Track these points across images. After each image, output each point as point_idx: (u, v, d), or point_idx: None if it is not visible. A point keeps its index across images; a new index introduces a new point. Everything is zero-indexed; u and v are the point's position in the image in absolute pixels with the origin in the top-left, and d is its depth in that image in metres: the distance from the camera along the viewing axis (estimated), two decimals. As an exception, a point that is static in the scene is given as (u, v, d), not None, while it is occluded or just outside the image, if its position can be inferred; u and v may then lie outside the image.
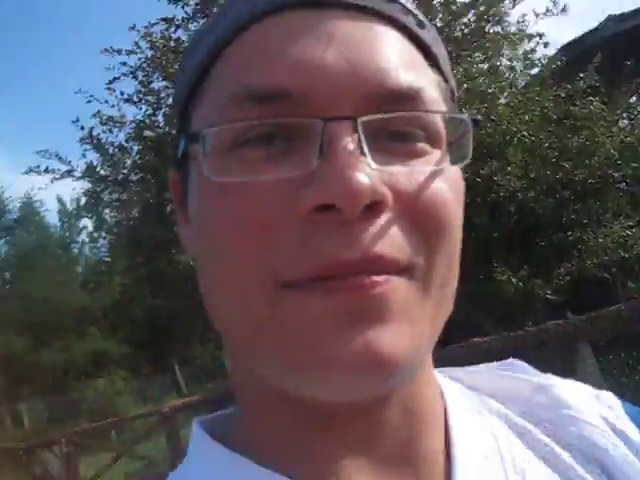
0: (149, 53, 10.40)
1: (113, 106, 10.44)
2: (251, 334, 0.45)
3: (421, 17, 0.51)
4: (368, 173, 0.41)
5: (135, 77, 10.54)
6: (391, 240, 0.43)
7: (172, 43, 10.33)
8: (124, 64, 10.42)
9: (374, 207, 0.42)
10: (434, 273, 0.46)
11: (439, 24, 10.37)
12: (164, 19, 10.33)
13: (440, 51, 0.53)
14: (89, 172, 10.56)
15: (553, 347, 7.08)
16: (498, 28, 11.08)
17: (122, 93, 10.42)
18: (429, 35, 0.52)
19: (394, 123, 0.45)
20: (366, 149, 0.42)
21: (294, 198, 0.43)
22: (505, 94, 11.33)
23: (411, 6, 0.50)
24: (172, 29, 10.41)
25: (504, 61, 12.04)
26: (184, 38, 10.56)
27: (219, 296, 0.47)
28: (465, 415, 0.55)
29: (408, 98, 0.45)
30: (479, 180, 9.95)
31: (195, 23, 10.50)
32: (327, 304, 0.41)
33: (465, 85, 10.40)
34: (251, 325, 0.45)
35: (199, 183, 0.48)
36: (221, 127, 0.44)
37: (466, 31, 10.55)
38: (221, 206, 0.45)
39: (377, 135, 0.44)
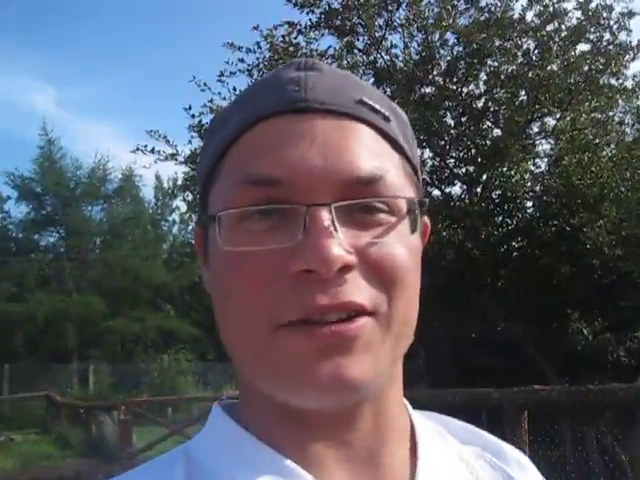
0: (267, 54, 10.73)
1: (224, 99, 10.81)
2: (252, 359, 0.61)
3: (387, 113, 0.66)
4: (339, 244, 0.57)
5: (250, 75, 10.89)
6: (357, 291, 0.58)
7: (291, 48, 10.61)
8: (242, 61, 10.80)
9: (344, 268, 0.58)
10: (394, 315, 0.61)
11: (555, 68, 10.31)
12: (288, 23, 10.62)
13: (406, 136, 0.69)
14: (192, 158, 11.00)
15: (616, 410, 6.96)
16: (613, 80, 10.88)
17: (234, 89, 10.79)
18: (394, 126, 0.67)
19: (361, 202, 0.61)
20: (338, 226, 0.58)
21: (286, 263, 0.58)
22: (611, 147, 11.13)
23: (377, 105, 0.66)
24: (294, 34, 10.70)
25: (616, 114, 11.81)
26: (303, 44, 10.88)
27: (230, 329, 0.63)
28: (429, 435, 0.71)
29: (372, 182, 0.61)
30: (568, 229, 9.84)
31: (316, 32, 10.76)
32: (309, 343, 0.57)
33: (570, 134, 10.27)
34: (253, 353, 0.61)
35: (215, 247, 0.63)
36: (232, 211, 0.61)
37: (580, 80, 10.39)
38: (232, 268, 0.61)
39: (350, 210, 0.60)
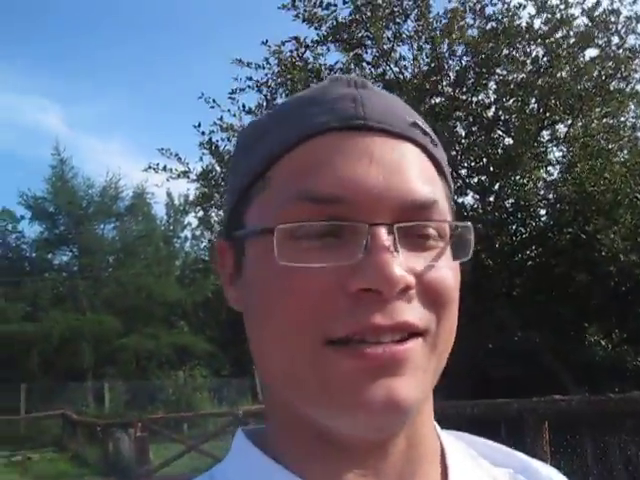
0: (276, 69, 10.76)
1: (234, 115, 10.85)
2: (296, 378, 0.59)
3: (434, 137, 0.67)
4: (400, 264, 0.57)
5: (260, 91, 10.93)
6: (413, 312, 0.58)
7: (299, 63, 10.64)
8: (250, 78, 10.82)
9: (404, 289, 0.57)
10: (441, 336, 0.61)
11: (564, 75, 10.30)
12: (296, 38, 10.65)
13: (444, 160, 0.68)
14: (204, 175, 11.02)
15: (638, 418, 6.86)
16: (624, 85, 10.84)
17: (244, 106, 10.82)
18: (439, 150, 0.67)
19: (418, 226, 0.61)
20: (399, 247, 0.57)
21: (344, 281, 0.57)
22: (624, 152, 11.08)
23: (427, 129, 0.66)
24: (302, 49, 10.73)
25: (628, 119, 11.77)
26: (311, 59, 10.91)
27: (270, 348, 0.61)
28: (460, 457, 0.69)
29: (427, 206, 0.60)
30: (583, 236, 9.78)
31: (323, 47, 10.79)
32: (360, 364, 0.56)
33: (582, 140, 10.23)
34: (297, 371, 0.59)
35: (260, 262, 0.61)
36: (295, 224, 0.58)
37: (590, 85, 10.36)
38: (284, 283, 0.58)
39: (407, 233, 0.59)
